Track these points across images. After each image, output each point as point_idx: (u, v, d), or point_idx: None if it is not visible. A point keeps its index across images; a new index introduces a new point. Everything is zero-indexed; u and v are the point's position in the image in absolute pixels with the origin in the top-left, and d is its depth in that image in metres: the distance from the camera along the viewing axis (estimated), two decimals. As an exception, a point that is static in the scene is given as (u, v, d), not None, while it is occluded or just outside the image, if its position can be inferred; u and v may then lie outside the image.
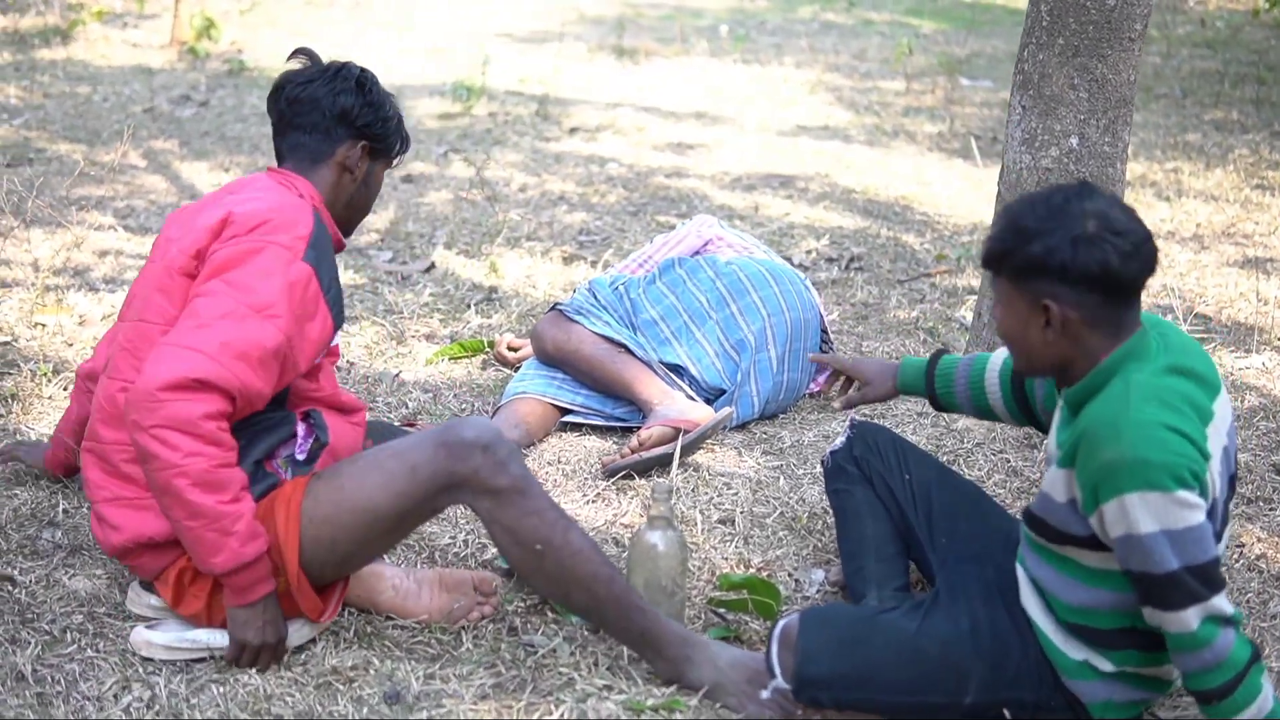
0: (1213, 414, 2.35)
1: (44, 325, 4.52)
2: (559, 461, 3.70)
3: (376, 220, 6.10)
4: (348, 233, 3.04)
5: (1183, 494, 2.22)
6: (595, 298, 4.00)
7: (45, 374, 4.05)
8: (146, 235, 5.68)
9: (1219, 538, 2.38)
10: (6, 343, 4.34)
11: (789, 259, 5.53)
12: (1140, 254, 2.32)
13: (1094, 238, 2.29)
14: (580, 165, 7.30)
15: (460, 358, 4.43)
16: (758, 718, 2.59)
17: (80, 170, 6.54)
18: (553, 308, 3.99)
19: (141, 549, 2.72)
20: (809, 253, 5.78)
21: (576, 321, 3.89)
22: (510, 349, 4.30)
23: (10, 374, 4.09)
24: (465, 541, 3.23)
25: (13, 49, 9.81)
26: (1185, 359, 2.37)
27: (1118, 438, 2.24)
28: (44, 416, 3.84)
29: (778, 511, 3.42)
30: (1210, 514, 2.31)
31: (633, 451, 3.52)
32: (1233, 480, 2.46)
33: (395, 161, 3.07)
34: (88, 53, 9.91)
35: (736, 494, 3.50)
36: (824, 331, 4.10)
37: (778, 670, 2.52)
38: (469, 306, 4.97)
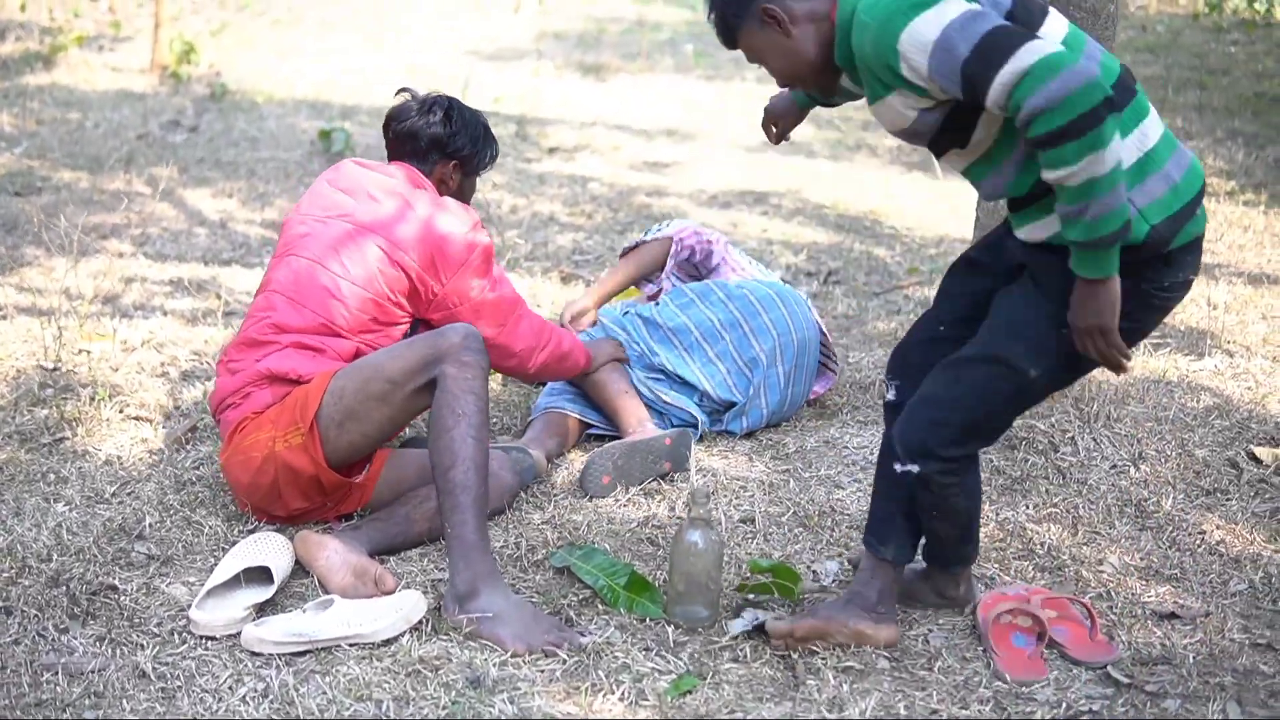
0: None
1: (89, 351, 4.83)
2: (589, 470, 4.07)
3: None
4: None
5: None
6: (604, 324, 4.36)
7: (104, 397, 4.37)
8: (166, 262, 5.99)
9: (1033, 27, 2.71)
10: (55, 369, 4.65)
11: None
12: None
13: None
14: (564, 185, 7.66)
15: (481, 376, 4.77)
16: (524, 652, 3.06)
17: (91, 199, 6.84)
18: None
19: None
20: (788, 267, 6.18)
21: None
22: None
23: (68, 398, 4.41)
24: (516, 544, 3.60)
25: (-3, 75, 10.06)
26: None
27: (868, 14, 2.66)
28: (108, 438, 4.17)
29: (790, 511, 3.81)
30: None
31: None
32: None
33: (483, 171, 3.86)
34: (71, 77, 10.14)
35: (752, 496, 3.88)
36: (824, 345, 4.47)
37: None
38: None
